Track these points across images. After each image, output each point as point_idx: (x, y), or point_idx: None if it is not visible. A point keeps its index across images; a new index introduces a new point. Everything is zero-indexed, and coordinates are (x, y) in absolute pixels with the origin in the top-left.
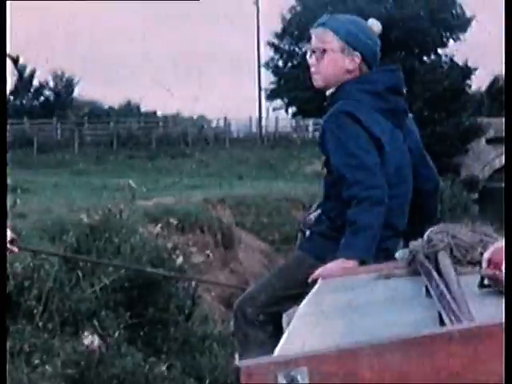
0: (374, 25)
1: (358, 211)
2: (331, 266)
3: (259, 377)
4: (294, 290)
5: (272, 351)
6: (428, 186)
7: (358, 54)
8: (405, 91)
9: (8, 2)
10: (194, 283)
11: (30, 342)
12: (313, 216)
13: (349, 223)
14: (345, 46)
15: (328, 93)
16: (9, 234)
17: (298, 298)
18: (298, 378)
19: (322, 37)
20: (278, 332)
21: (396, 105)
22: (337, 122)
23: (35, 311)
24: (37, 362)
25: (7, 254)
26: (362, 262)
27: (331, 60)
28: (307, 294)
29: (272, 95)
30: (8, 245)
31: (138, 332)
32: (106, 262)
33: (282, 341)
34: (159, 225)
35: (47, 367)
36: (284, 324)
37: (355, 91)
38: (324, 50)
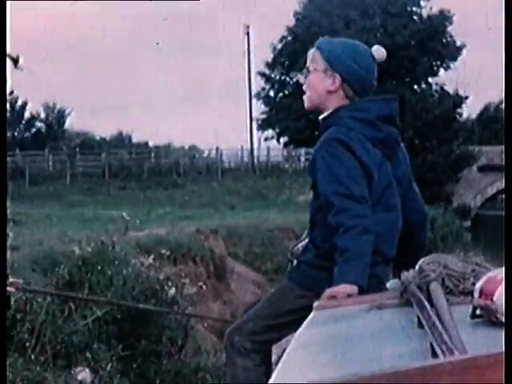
0: (376, 51)
1: (348, 239)
2: (338, 288)
3: None
4: (282, 319)
5: (258, 380)
6: (415, 217)
7: (337, 75)
8: (398, 121)
9: (8, 2)
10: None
11: (22, 374)
12: (300, 246)
13: (340, 252)
14: (327, 67)
15: (321, 117)
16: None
17: (285, 327)
18: None
19: (311, 56)
20: (265, 361)
21: (388, 134)
22: (328, 149)
23: (27, 344)
24: None
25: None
26: (359, 291)
27: (314, 79)
28: (294, 322)
29: (263, 125)
30: (8, 287)
31: (130, 364)
32: (102, 299)
33: (275, 373)
34: (151, 256)
35: None
36: (274, 355)
37: (348, 118)
38: (311, 70)
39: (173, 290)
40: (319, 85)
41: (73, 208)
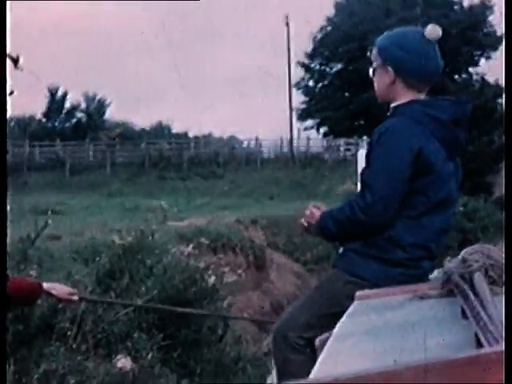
0: (428, 30)
1: (344, 211)
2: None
3: None
4: (333, 308)
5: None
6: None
7: (389, 67)
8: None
9: (8, 2)
10: (226, 304)
11: (63, 363)
12: None
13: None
14: (381, 61)
15: (393, 105)
16: (66, 289)
17: (336, 318)
18: None
19: (373, 55)
20: (314, 356)
21: (457, 137)
22: (389, 137)
23: (69, 333)
24: (71, 383)
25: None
26: (375, 285)
27: (376, 76)
28: (344, 312)
29: (303, 115)
30: (67, 296)
31: (171, 353)
32: (147, 304)
33: (318, 363)
34: (191, 245)
35: None
36: (317, 348)
37: (420, 113)
38: (374, 68)
39: (213, 279)
40: (380, 81)
41: (113, 198)
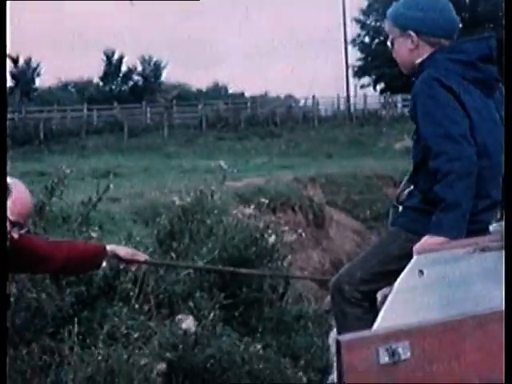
0: None
1: (444, 186)
2: (423, 243)
3: (360, 350)
4: (390, 266)
5: (368, 327)
6: None
7: (410, 31)
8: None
9: (8, 2)
10: (286, 263)
11: (126, 324)
12: (405, 191)
13: (437, 199)
14: (399, 30)
15: (417, 61)
16: (130, 250)
17: (393, 275)
18: (400, 351)
19: (387, 28)
20: (373, 309)
21: (487, 74)
22: (425, 91)
23: (131, 293)
24: (135, 343)
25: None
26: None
27: (396, 47)
28: (403, 269)
29: (359, 72)
30: (131, 257)
31: (232, 312)
32: (205, 266)
33: (380, 315)
34: (251, 205)
35: (145, 349)
36: (379, 302)
37: (445, 60)
38: (393, 40)
39: (273, 238)
40: (402, 50)
41: (171, 159)
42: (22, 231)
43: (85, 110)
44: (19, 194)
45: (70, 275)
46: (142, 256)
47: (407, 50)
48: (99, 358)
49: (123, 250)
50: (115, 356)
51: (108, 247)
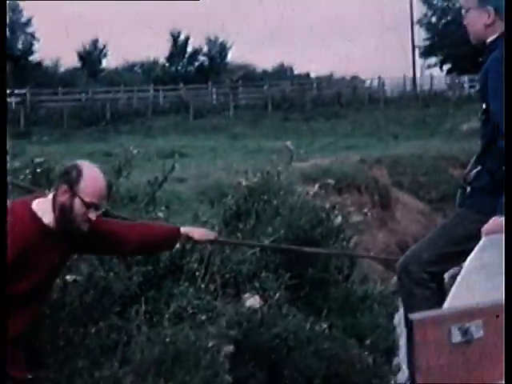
0: None
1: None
2: (491, 224)
3: (432, 329)
4: (458, 247)
5: (435, 308)
6: None
7: (490, 7)
8: None
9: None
10: (352, 243)
11: (193, 303)
12: (473, 172)
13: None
14: (478, 2)
15: (489, 40)
16: (203, 231)
17: (461, 255)
18: (473, 330)
19: None
20: (441, 288)
21: None
22: (498, 67)
23: (197, 273)
24: (201, 322)
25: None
26: None
27: (471, 17)
28: (470, 250)
29: (426, 53)
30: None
31: (298, 292)
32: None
33: (450, 295)
34: (317, 185)
35: (211, 328)
36: (447, 283)
37: None
38: (468, 9)
39: (339, 219)
40: (476, 22)
41: (237, 140)
42: (99, 212)
43: (151, 91)
44: (92, 174)
45: (143, 256)
46: (213, 235)
47: (482, 24)
48: (167, 339)
49: (197, 232)
50: (182, 337)
51: (182, 229)
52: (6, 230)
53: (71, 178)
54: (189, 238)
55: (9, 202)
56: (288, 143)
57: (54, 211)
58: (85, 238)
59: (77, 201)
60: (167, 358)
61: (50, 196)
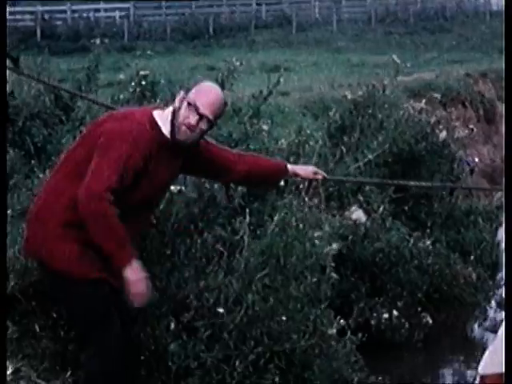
0: None
1: None
2: None
3: None
4: None
5: None
6: None
7: None
8: None
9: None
10: (458, 158)
11: (297, 215)
12: None
13: None
14: None
15: None
16: (310, 168)
17: None
18: None
19: None
20: None
21: None
22: None
23: (301, 186)
24: (306, 233)
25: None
26: None
27: None
28: None
29: None
30: (312, 175)
31: (402, 207)
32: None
33: None
34: (423, 100)
35: (315, 239)
36: None
37: None
38: None
39: (444, 133)
40: None
41: (340, 54)
42: (209, 128)
43: (254, 5)
44: (208, 87)
45: (247, 187)
46: (321, 174)
47: None
48: (274, 243)
49: (303, 170)
50: (288, 243)
51: (289, 166)
52: (5, 230)
53: (190, 88)
54: (295, 176)
55: (123, 110)
56: (394, 56)
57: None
58: (196, 158)
59: (189, 107)
60: (272, 267)
61: (171, 107)
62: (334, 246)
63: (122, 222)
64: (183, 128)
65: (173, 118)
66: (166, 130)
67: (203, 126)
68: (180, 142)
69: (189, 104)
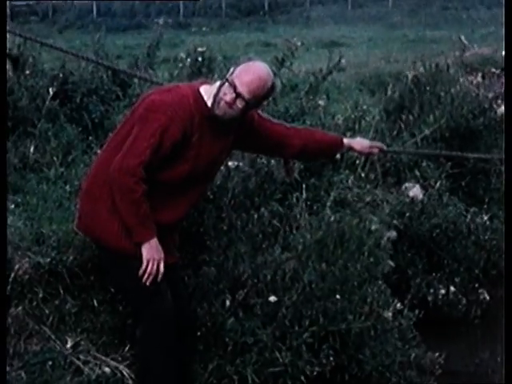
0: None
1: None
2: None
3: None
4: None
5: None
6: None
7: None
8: None
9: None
10: None
11: (353, 191)
12: None
13: None
14: None
15: None
16: (366, 142)
17: None
18: None
19: None
20: None
21: None
22: None
23: (357, 162)
24: (363, 210)
25: None
26: None
27: None
28: None
29: None
30: (369, 150)
31: (459, 182)
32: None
33: None
34: (480, 74)
35: (373, 216)
36: None
37: None
38: None
39: (502, 109)
40: None
41: (395, 29)
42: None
43: None
44: (250, 67)
45: (303, 161)
46: (377, 148)
47: None
48: (331, 219)
49: (359, 144)
50: (346, 220)
51: (345, 140)
52: (5, 229)
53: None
54: (351, 150)
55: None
56: (462, 37)
57: None
58: (250, 133)
59: (229, 84)
60: (329, 242)
61: (218, 82)
62: (394, 233)
63: (168, 194)
64: (222, 103)
65: (216, 93)
66: (210, 103)
67: (239, 104)
68: (218, 116)
69: (230, 81)
